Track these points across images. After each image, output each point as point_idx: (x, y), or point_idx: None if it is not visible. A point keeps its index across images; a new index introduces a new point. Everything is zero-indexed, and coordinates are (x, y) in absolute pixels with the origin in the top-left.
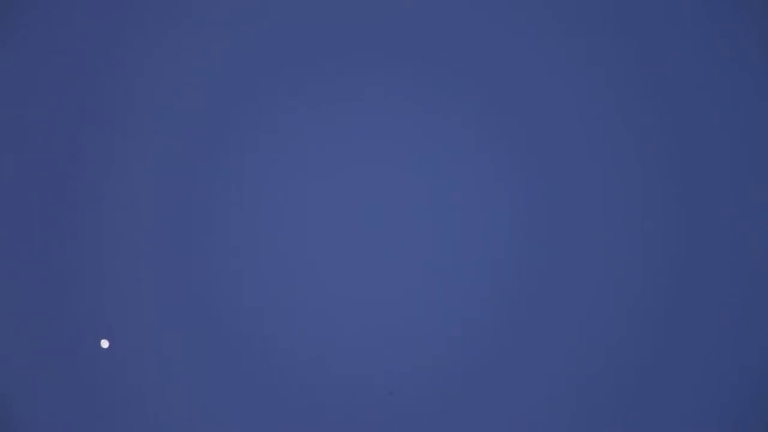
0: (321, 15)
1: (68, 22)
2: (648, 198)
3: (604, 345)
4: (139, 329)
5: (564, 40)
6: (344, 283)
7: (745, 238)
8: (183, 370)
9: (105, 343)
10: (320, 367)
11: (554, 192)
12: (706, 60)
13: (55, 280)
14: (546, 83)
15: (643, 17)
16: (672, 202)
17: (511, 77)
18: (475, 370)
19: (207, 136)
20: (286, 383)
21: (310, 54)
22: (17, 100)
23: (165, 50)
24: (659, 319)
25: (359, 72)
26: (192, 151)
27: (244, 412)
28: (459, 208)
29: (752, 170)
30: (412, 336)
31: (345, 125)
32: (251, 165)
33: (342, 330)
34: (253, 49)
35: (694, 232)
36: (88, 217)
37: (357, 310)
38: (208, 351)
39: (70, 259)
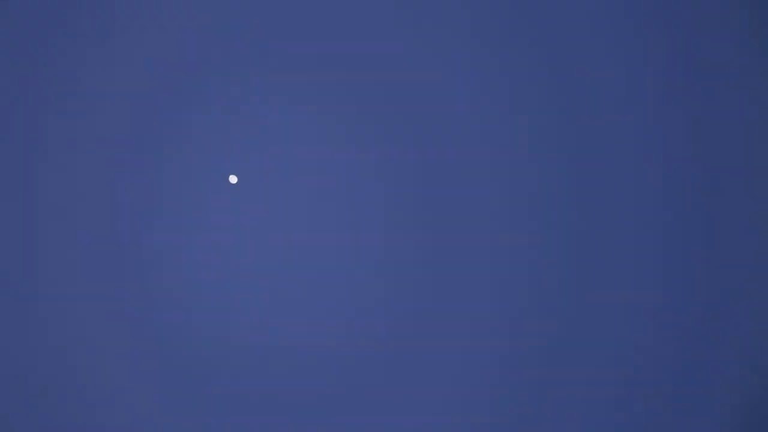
0: (223, 26)
1: None
2: (549, 198)
3: (508, 338)
4: (65, 328)
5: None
6: (238, 283)
7: (744, 237)
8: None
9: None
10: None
11: (442, 186)
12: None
13: None
14: (453, 84)
15: (640, 18)
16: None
17: (406, 76)
18: (370, 370)
19: (115, 138)
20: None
21: (210, 61)
22: None
23: (77, 53)
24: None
25: (250, 79)
26: (104, 151)
27: (169, 406)
28: (340, 206)
29: (753, 170)
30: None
31: (235, 127)
32: (152, 167)
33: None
34: (159, 54)
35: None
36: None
37: (249, 303)
38: (128, 343)
39: None
